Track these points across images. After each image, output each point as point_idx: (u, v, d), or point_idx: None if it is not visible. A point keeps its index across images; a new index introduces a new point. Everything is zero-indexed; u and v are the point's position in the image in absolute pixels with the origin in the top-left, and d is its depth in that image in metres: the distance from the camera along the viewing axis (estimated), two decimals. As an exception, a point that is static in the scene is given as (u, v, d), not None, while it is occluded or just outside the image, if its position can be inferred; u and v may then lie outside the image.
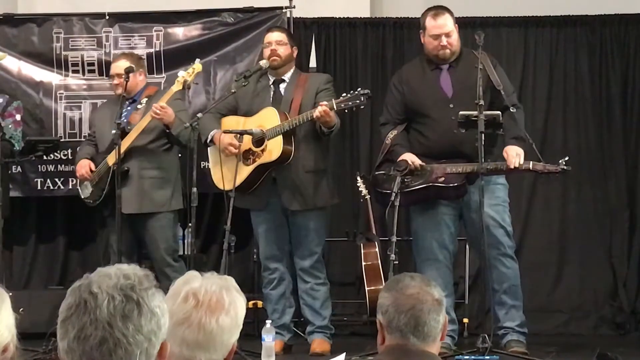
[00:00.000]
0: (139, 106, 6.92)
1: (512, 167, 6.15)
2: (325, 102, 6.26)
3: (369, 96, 6.27)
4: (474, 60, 6.26)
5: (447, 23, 6.40)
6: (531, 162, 6.20)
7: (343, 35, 8.33)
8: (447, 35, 6.38)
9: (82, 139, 7.91)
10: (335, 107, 6.25)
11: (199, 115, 6.48)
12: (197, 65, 6.79)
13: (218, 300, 2.58)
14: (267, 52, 6.70)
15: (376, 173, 6.58)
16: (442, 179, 6.27)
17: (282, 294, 6.68)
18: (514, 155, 6.17)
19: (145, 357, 2.00)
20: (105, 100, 7.57)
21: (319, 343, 6.62)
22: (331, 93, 6.54)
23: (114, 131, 6.71)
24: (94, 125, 7.32)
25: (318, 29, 8.22)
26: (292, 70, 6.73)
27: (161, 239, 6.87)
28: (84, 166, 7.00)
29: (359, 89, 6.32)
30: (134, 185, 6.84)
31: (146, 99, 6.93)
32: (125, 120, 6.85)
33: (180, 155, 7.07)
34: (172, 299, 2.58)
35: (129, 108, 6.97)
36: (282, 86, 6.68)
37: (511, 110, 6.25)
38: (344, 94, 6.30)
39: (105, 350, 1.96)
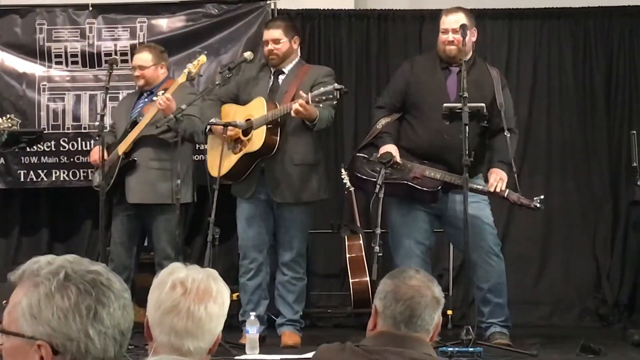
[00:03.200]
0: (154, 98, 6.92)
1: (492, 190, 6.21)
2: (302, 95, 6.26)
3: (343, 92, 6.27)
4: (483, 72, 6.29)
5: (458, 20, 6.39)
6: (508, 190, 6.24)
7: (327, 27, 8.32)
8: (455, 31, 6.36)
9: (66, 131, 7.91)
10: (310, 100, 6.25)
11: (183, 106, 6.46)
12: (202, 58, 6.86)
13: (206, 288, 2.59)
14: (265, 50, 6.69)
15: (357, 154, 6.58)
16: (419, 180, 6.29)
17: (259, 285, 6.66)
18: (497, 179, 6.23)
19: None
20: (131, 92, 7.53)
21: (289, 335, 6.61)
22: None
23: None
24: (113, 115, 7.34)
25: (302, 20, 8.20)
26: (294, 62, 6.71)
27: (167, 231, 6.84)
28: (94, 152, 7.03)
29: (335, 84, 6.30)
30: (140, 175, 6.85)
31: (163, 91, 6.93)
32: (138, 111, 6.91)
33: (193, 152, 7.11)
34: (158, 289, 2.59)
35: (146, 100, 7.00)
36: (281, 77, 6.68)
37: (505, 134, 6.23)
38: (321, 88, 6.29)
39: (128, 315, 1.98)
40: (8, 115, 7.09)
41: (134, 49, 7.26)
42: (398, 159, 6.32)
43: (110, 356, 1.90)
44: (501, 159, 6.33)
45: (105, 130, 6.80)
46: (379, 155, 6.32)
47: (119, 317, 1.91)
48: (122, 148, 6.86)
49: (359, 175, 6.48)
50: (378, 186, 6.19)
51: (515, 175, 6.29)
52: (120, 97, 7.64)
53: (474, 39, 6.50)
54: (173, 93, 6.69)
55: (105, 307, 1.90)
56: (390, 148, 6.35)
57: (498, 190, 6.20)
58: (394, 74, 6.80)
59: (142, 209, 6.89)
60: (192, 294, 2.56)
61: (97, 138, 7.07)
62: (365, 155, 6.47)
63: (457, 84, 6.33)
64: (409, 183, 6.30)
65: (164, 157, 6.85)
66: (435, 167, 6.32)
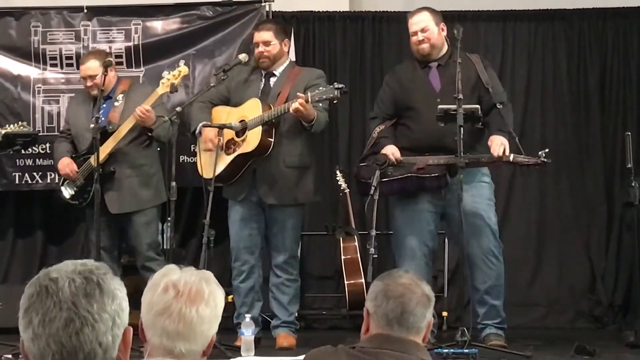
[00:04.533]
0: (115, 103, 6.88)
1: (495, 154, 6.20)
2: (302, 95, 6.27)
3: (343, 91, 6.28)
4: (463, 59, 6.30)
5: (422, 19, 6.52)
6: (512, 154, 6.24)
7: (322, 29, 8.33)
8: (423, 30, 6.48)
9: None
10: (310, 100, 6.26)
11: (178, 109, 6.46)
12: (183, 68, 6.82)
13: (198, 290, 2.59)
14: (256, 52, 6.69)
15: (360, 165, 6.61)
16: (423, 169, 6.31)
17: (252, 287, 6.66)
18: (499, 144, 6.24)
19: (111, 337, 1.98)
20: (73, 95, 7.50)
21: (284, 337, 6.61)
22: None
23: (92, 125, 6.66)
24: (68, 122, 7.26)
25: (297, 22, 8.22)
26: (285, 64, 6.72)
27: (146, 234, 6.87)
28: (67, 164, 6.96)
29: (335, 83, 6.33)
30: (120, 185, 6.83)
31: (122, 94, 6.89)
32: (103, 119, 6.82)
33: (159, 149, 7.06)
34: (151, 291, 2.59)
35: (104, 105, 6.90)
36: (273, 79, 6.68)
37: (497, 106, 6.30)
38: (320, 88, 6.30)
39: (72, 330, 1.95)
40: (20, 123, 7.09)
41: (83, 62, 7.14)
42: (398, 155, 6.34)
43: None
44: (499, 128, 6.36)
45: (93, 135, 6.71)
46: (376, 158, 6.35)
47: (58, 329, 1.95)
48: (95, 160, 6.70)
49: (362, 180, 6.48)
50: (372, 188, 6.20)
51: (517, 140, 6.28)
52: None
53: (444, 33, 6.57)
54: (153, 104, 6.68)
55: (37, 313, 1.96)
56: (387, 149, 6.38)
57: (501, 153, 6.20)
58: (380, 89, 6.82)
59: (121, 215, 6.88)
60: (184, 297, 2.57)
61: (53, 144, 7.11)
62: (367, 164, 6.49)
63: (440, 77, 6.48)
64: (415, 175, 6.32)
65: (140, 162, 6.86)
66: (437, 155, 6.34)
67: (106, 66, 6.82)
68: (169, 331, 2.54)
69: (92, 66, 6.91)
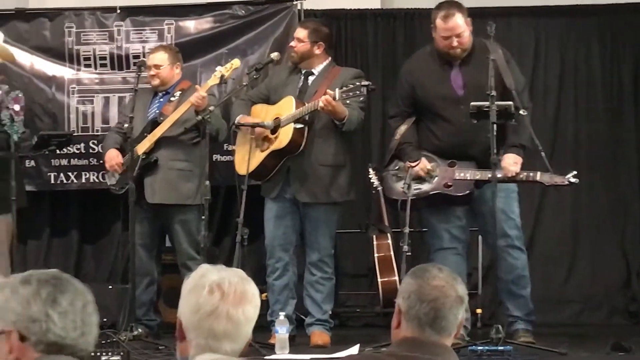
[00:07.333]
0: (172, 98, 6.96)
1: (509, 175, 6.15)
2: (329, 92, 6.29)
3: (371, 88, 6.29)
4: (486, 55, 6.21)
5: (457, 24, 6.31)
6: (538, 172, 6.19)
7: (353, 27, 8.33)
8: (458, 36, 6.33)
9: (95, 133, 7.96)
10: (338, 97, 6.27)
11: (211, 108, 6.51)
12: (235, 61, 6.88)
13: (242, 291, 2.63)
14: (289, 46, 6.84)
15: (386, 172, 6.59)
16: (451, 187, 6.30)
17: (286, 284, 6.69)
18: (511, 163, 6.19)
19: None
20: (137, 90, 7.57)
21: (318, 335, 6.62)
22: None
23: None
24: (124, 114, 7.29)
25: (328, 21, 8.22)
26: (324, 64, 6.74)
27: (186, 232, 6.91)
28: (113, 157, 7.05)
29: (362, 81, 6.33)
30: (162, 175, 6.89)
31: (180, 92, 6.96)
32: (157, 111, 6.93)
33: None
34: (195, 292, 2.62)
35: (161, 100, 7.03)
36: (311, 78, 6.71)
37: (521, 112, 6.13)
38: (349, 85, 6.31)
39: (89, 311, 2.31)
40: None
41: (152, 52, 7.26)
42: (427, 166, 6.33)
43: (72, 337, 2.21)
44: (513, 144, 6.29)
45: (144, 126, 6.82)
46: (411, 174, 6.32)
47: (79, 307, 2.24)
48: (142, 148, 6.89)
49: (391, 197, 6.50)
50: (406, 185, 6.21)
51: (542, 153, 6.16)
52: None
53: (470, 28, 6.40)
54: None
55: (64, 294, 2.24)
56: (421, 164, 6.35)
57: (513, 173, 6.16)
58: (397, 82, 6.77)
59: (161, 211, 6.93)
60: (230, 298, 2.60)
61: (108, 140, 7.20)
62: (393, 172, 6.48)
63: (462, 78, 6.35)
64: (442, 192, 6.31)
65: (185, 157, 6.91)
66: (463, 164, 6.31)
67: (173, 62, 6.96)
68: (216, 332, 2.58)
69: (159, 57, 7.07)
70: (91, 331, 2.28)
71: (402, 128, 6.50)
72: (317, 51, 6.73)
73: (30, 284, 2.25)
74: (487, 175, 6.12)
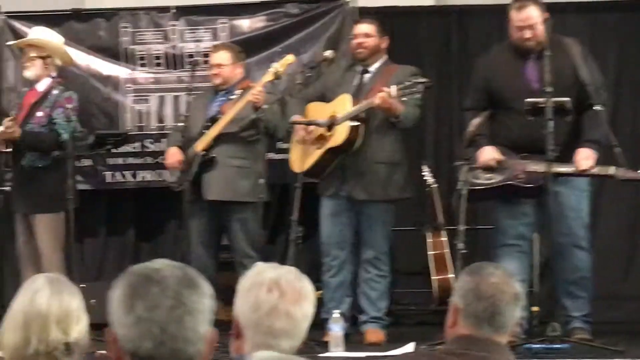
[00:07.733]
0: (232, 97, 6.98)
1: (579, 169, 6.10)
2: (385, 89, 6.27)
3: (427, 85, 6.27)
4: (563, 50, 6.17)
5: (531, 15, 6.26)
6: (613, 167, 6.13)
7: (407, 25, 8.29)
8: (531, 27, 6.26)
9: (151, 132, 8.02)
10: (394, 93, 6.25)
11: (265, 106, 6.53)
12: (290, 56, 6.90)
13: (300, 289, 2.65)
14: (353, 44, 6.74)
15: (455, 164, 6.51)
16: (522, 179, 6.23)
17: (341, 282, 6.69)
18: (584, 158, 6.13)
19: (205, 330, 2.07)
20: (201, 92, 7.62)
21: (373, 332, 6.62)
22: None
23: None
24: (187, 113, 7.33)
25: (381, 18, 8.20)
26: (381, 61, 6.74)
27: (244, 230, 6.90)
28: (173, 155, 7.07)
29: (419, 78, 6.31)
30: (219, 172, 6.89)
31: (241, 91, 6.98)
32: (217, 110, 6.96)
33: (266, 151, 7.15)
34: (254, 291, 2.64)
35: (222, 99, 7.05)
36: (367, 76, 6.71)
37: (596, 108, 6.08)
38: (405, 82, 6.29)
39: (175, 317, 2.03)
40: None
41: (215, 50, 7.31)
42: (498, 157, 6.28)
43: (147, 347, 2.03)
44: (587, 139, 6.22)
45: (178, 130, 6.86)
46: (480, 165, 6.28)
47: (162, 314, 2.03)
48: (200, 145, 6.92)
49: (472, 188, 6.40)
50: (461, 183, 6.17)
51: (618, 149, 6.08)
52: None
53: (546, 21, 6.34)
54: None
55: (143, 299, 2.05)
56: (488, 154, 6.29)
57: (584, 168, 6.10)
58: (471, 74, 6.74)
59: (219, 208, 6.94)
60: (289, 296, 2.62)
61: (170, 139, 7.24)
62: (470, 165, 6.42)
63: (538, 71, 6.25)
64: (514, 183, 6.26)
65: (243, 155, 6.91)
66: (535, 157, 6.23)
67: (235, 61, 6.98)
68: (274, 330, 2.60)
69: (222, 56, 7.07)
70: (172, 339, 2.12)
71: (476, 120, 6.45)
72: (383, 46, 6.73)
73: (120, 285, 2.15)
74: (560, 168, 6.04)
